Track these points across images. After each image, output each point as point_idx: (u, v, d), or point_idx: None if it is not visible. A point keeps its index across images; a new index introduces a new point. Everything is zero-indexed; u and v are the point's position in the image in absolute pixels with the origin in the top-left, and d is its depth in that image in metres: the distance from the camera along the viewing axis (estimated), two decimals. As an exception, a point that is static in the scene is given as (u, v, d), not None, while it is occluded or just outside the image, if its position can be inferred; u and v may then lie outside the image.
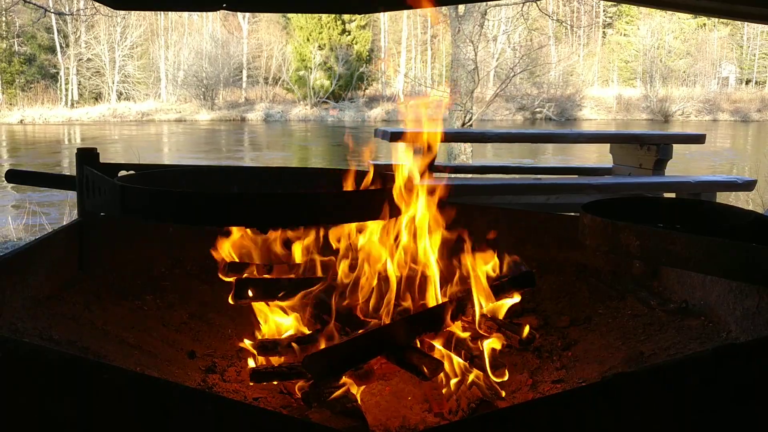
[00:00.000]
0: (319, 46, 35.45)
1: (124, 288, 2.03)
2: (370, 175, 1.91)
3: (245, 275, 1.91)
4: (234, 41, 38.36)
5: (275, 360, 1.74)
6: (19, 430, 1.07)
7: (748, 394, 1.17)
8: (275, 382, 1.69)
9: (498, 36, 25.35)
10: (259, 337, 1.83)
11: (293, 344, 1.76)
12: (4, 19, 34.65)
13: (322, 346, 1.67)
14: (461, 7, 9.86)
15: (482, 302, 1.79)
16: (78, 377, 1.05)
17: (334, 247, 1.94)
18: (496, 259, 1.93)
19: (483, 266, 1.91)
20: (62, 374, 1.06)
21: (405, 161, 1.87)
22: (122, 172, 2.02)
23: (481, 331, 1.80)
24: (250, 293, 1.81)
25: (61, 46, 35.36)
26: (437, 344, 1.71)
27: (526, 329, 1.77)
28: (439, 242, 1.90)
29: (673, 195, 4.74)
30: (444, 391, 1.63)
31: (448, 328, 1.71)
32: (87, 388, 1.05)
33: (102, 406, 1.04)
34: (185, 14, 37.23)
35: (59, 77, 35.02)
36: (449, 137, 6.52)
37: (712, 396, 1.15)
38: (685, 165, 13.24)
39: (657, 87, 37.86)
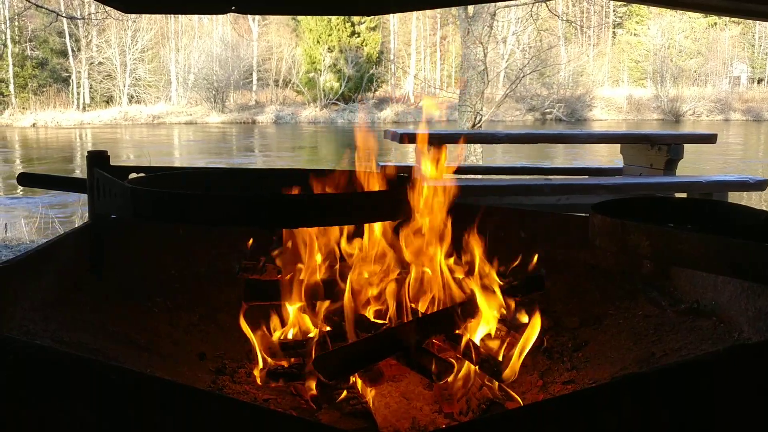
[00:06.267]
0: (329, 48, 35.55)
1: (135, 290, 2.04)
2: (380, 176, 1.91)
3: (256, 276, 1.92)
4: (244, 44, 38.50)
5: (285, 361, 1.74)
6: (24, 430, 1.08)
7: (761, 396, 1.16)
8: (285, 384, 1.69)
9: (507, 37, 25.30)
10: (269, 338, 1.83)
11: (303, 345, 1.77)
12: (16, 23, 34.94)
13: (332, 347, 1.67)
14: (471, 8, 9.85)
15: (492, 305, 1.79)
16: (84, 378, 1.06)
17: (344, 248, 1.94)
18: (507, 261, 1.92)
19: (493, 268, 1.91)
20: (67, 375, 1.06)
21: (414, 162, 1.87)
22: (132, 175, 2.02)
23: (491, 334, 1.79)
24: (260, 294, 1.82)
25: (72, 50, 35.65)
26: (447, 346, 1.70)
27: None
28: (449, 244, 1.89)
29: (684, 195, 4.71)
30: (455, 393, 1.62)
31: (458, 331, 1.71)
32: (92, 388, 1.05)
33: (107, 406, 1.05)
34: (195, 17, 37.42)
35: (71, 81, 35.31)
36: (459, 138, 6.52)
37: (724, 397, 1.14)
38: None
39: (668, 87, 37.68)
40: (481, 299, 1.77)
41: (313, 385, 1.61)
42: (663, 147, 4.92)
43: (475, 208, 1.98)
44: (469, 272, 1.89)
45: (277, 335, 1.85)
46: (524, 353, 1.67)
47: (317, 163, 18.06)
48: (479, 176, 5.73)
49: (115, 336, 1.76)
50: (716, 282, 1.85)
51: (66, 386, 1.07)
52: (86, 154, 1.99)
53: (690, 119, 35.47)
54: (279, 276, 1.94)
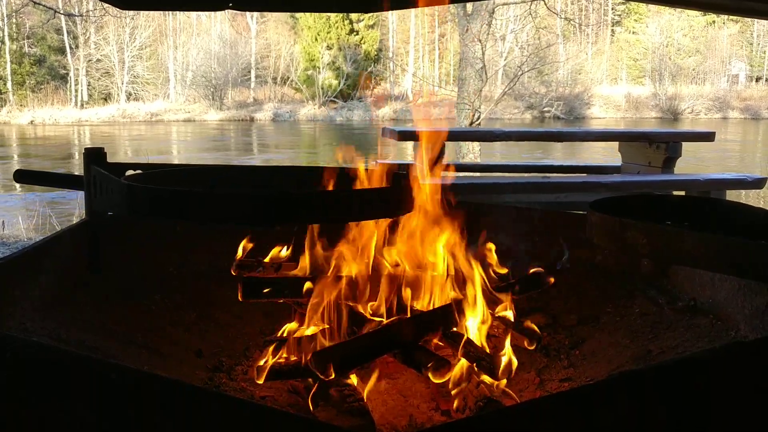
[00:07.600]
0: (328, 46, 35.53)
1: (133, 288, 2.04)
2: (377, 173, 1.91)
3: (253, 273, 1.92)
4: (242, 41, 38.45)
5: (282, 358, 1.74)
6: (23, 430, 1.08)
7: (757, 394, 1.16)
8: (282, 381, 1.69)
9: (506, 35, 25.30)
10: (266, 336, 1.83)
11: (300, 342, 1.76)
12: (14, 20, 34.87)
13: (329, 344, 1.67)
14: (469, 6, 9.85)
15: (490, 302, 1.79)
16: (84, 377, 1.05)
17: (341, 245, 1.94)
18: (504, 259, 1.92)
19: (491, 266, 1.90)
20: (67, 374, 1.06)
21: (412, 160, 1.87)
22: (129, 172, 2.02)
23: (488, 331, 1.79)
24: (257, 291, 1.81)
25: (70, 47, 35.58)
26: (444, 344, 1.70)
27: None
28: (446, 241, 1.89)
29: (682, 193, 4.72)
30: (452, 390, 1.62)
31: (455, 328, 1.71)
32: (92, 387, 1.05)
33: (107, 406, 1.05)
34: (193, 14, 37.36)
35: (69, 78, 35.24)
36: (457, 136, 6.52)
37: (721, 395, 1.14)
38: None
39: (666, 85, 37.69)
40: (478, 297, 1.77)
41: (310, 382, 1.61)
42: (661, 145, 4.93)
43: (472, 205, 1.98)
44: (467, 270, 1.89)
45: (270, 332, 1.85)
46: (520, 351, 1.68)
47: (319, 160, 18.05)
48: (477, 174, 5.73)
49: (114, 334, 1.76)
50: (713, 280, 1.85)
51: (66, 385, 1.06)
52: (83, 151, 1.99)
53: (688, 117, 35.49)
54: (276, 273, 1.94)
